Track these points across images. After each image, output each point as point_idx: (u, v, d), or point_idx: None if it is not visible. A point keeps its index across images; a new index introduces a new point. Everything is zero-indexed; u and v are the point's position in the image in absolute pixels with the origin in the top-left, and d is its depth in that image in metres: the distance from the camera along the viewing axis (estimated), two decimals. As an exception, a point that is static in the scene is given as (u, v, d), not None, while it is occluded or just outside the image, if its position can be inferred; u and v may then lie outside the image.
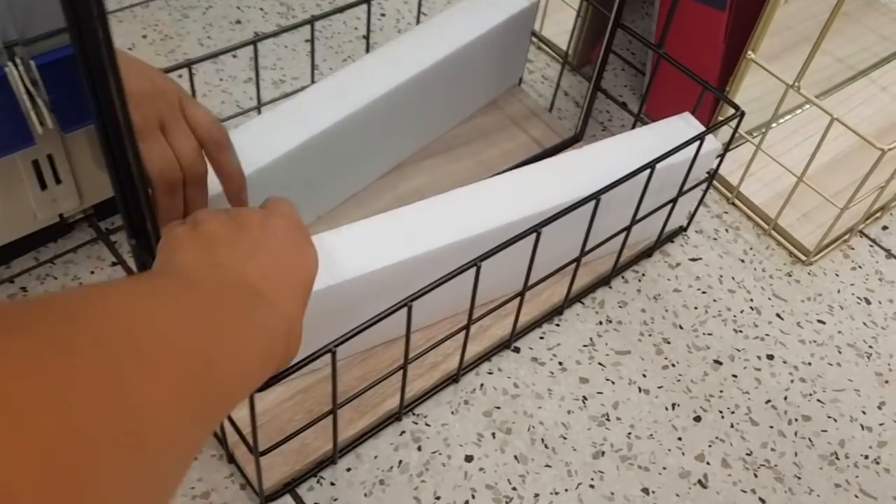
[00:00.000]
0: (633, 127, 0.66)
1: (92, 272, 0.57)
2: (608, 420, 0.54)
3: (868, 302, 0.63)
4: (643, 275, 0.63)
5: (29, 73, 0.46)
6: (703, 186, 0.63)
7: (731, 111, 0.58)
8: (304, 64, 0.73)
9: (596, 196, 0.51)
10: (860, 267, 0.66)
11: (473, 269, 0.46)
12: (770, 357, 0.58)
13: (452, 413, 0.53)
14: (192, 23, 0.75)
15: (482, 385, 0.55)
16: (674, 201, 0.58)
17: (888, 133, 0.75)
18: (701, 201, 0.65)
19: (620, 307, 0.60)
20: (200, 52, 0.73)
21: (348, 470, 0.50)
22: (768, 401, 0.56)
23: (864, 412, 0.56)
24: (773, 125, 0.73)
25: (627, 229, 0.57)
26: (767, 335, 0.60)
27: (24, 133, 0.47)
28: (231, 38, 0.75)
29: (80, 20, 0.31)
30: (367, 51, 0.64)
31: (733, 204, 0.69)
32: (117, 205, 0.40)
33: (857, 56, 0.83)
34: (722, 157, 0.62)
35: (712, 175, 0.62)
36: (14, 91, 0.45)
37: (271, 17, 0.77)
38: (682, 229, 0.66)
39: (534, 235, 0.48)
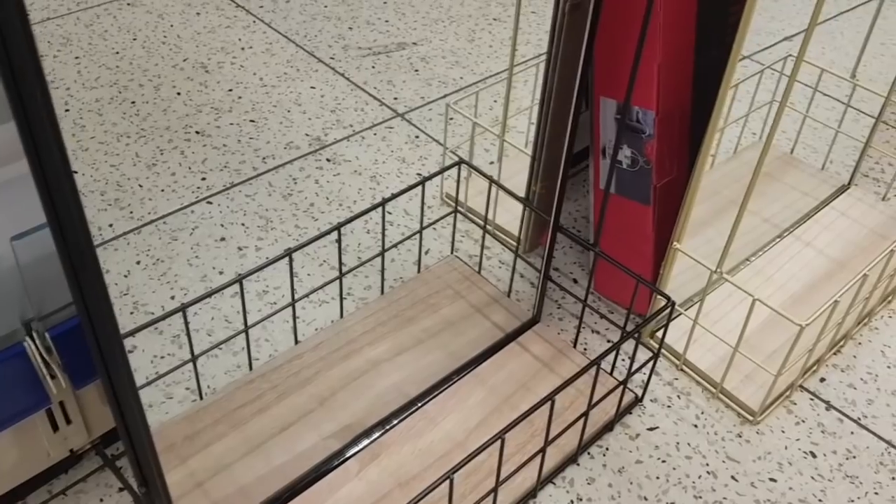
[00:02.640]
0: (583, 309, 0.74)
1: (101, 500, 0.62)
2: None
3: (814, 455, 0.69)
4: (607, 449, 0.68)
5: (44, 343, 0.52)
6: (651, 363, 0.70)
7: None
8: (284, 274, 0.81)
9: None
10: (803, 421, 0.72)
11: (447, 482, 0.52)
12: (728, 521, 0.64)
13: None
14: (181, 244, 0.83)
15: (467, 576, 0.59)
16: (622, 386, 0.65)
17: (814, 288, 0.83)
18: (651, 373, 0.72)
19: (589, 484, 0.66)
20: (189, 271, 0.80)
21: None
22: (730, 565, 0.61)
23: (818, 568, 0.61)
24: (709, 292, 0.80)
25: (585, 415, 0.63)
26: (725, 498, 0.65)
27: (41, 395, 0.53)
28: (217, 255, 0.82)
29: (86, 300, 0.38)
30: (340, 261, 0.72)
31: (682, 370, 0.75)
32: (128, 457, 0.46)
33: (781, 214, 0.93)
34: (665, 330, 0.70)
35: (657, 353, 0.69)
36: (31, 361, 0.52)
37: (252, 230, 0.86)
38: (637, 399, 0.72)
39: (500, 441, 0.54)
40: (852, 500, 0.66)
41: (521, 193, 0.81)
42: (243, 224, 0.86)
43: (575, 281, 0.84)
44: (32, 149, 0.33)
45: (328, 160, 0.96)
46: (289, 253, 0.65)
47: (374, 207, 0.71)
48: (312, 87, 1.08)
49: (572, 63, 0.71)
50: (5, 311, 0.49)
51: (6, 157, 0.48)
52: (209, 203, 0.89)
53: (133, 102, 1.02)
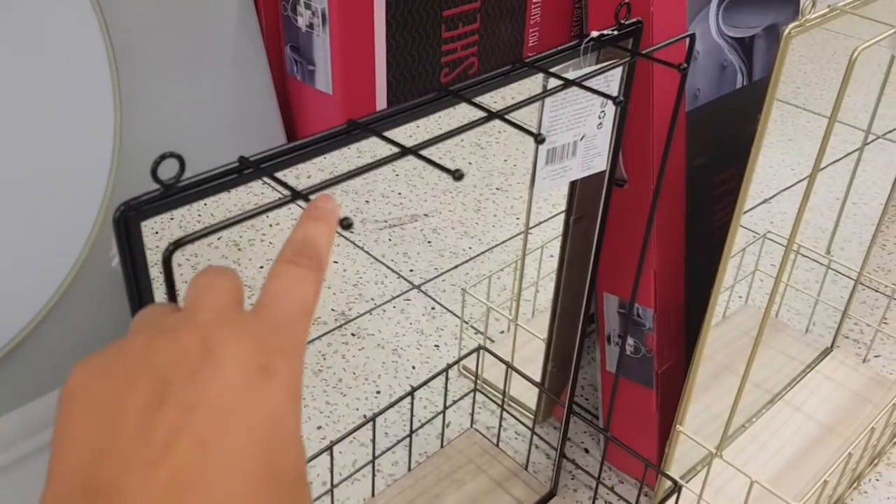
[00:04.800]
0: (597, 486, 0.80)
1: None
2: None
3: None
4: None
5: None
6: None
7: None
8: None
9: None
10: (805, 589, 0.77)
11: None
12: None
13: None
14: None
15: None
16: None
17: (807, 453, 0.90)
18: (663, 546, 0.78)
19: None
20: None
21: None
22: None
23: None
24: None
25: None
26: None
27: None
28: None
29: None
30: (374, 449, 0.79)
31: (691, 541, 0.82)
32: None
33: (771, 380, 1.01)
34: (672, 509, 0.76)
35: (667, 529, 0.75)
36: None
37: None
38: (651, 571, 0.78)
39: None
40: None
41: (534, 360, 0.89)
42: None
43: (587, 451, 0.91)
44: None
45: (353, 335, 1.05)
46: (330, 447, 0.73)
47: (403, 397, 0.78)
48: (335, 262, 1.18)
49: (580, 262, 0.81)
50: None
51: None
52: (247, 382, 0.96)
53: (172, 282, 1.11)
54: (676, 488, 0.72)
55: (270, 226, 1.24)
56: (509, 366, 0.84)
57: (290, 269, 0.30)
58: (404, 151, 0.41)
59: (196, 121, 0.57)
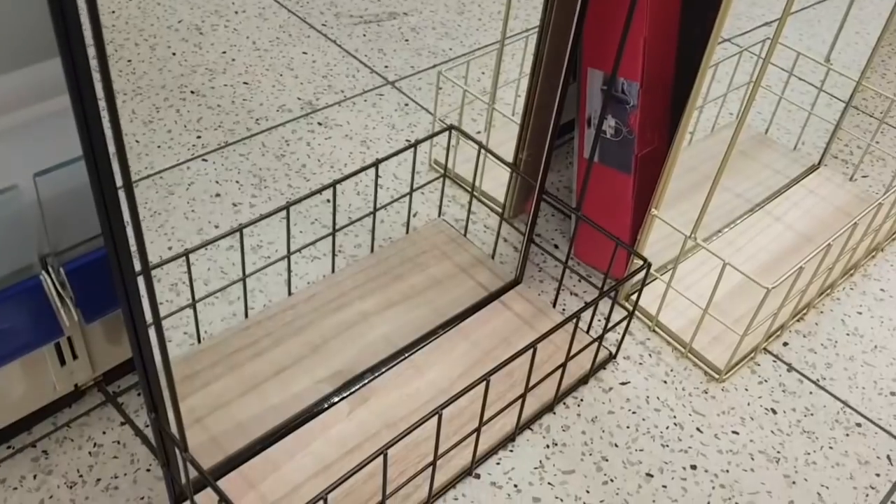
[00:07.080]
0: (563, 271, 0.78)
1: (104, 432, 0.65)
2: (558, 535, 0.63)
3: (774, 412, 0.74)
4: (581, 400, 0.73)
5: (58, 277, 0.55)
6: (625, 323, 0.75)
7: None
8: (278, 230, 0.84)
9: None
10: (766, 381, 0.77)
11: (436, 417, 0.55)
12: (693, 467, 0.68)
13: (425, 538, 0.61)
14: (178, 198, 0.86)
15: (449, 511, 0.63)
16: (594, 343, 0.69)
17: (782, 259, 0.88)
18: (625, 333, 0.76)
19: (564, 431, 0.70)
20: (186, 224, 0.83)
21: None
22: (693, 507, 0.65)
23: (774, 511, 0.66)
24: (682, 260, 0.85)
25: (562, 366, 0.68)
26: (690, 448, 0.70)
27: (54, 328, 0.56)
28: (212, 209, 0.85)
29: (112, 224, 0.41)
30: (334, 218, 0.75)
31: (654, 331, 0.80)
32: (140, 384, 0.49)
33: (753, 190, 0.97)
34: (640, 292, 0.74)
35: (631, 313, 0.73)
36: (47, 295, 0.55)
37: (246, 188, 0.88)
38: (611, 356, 0.77)
39: (484, 383, 0.58)
40: (808, 453, 0.71)
41: (508, 156, 0.85)
42: (237, 182, 0.89)
43: (556, 247, 0.88)
44: (73, 76, 0.36)
45: (319, 124, 0.99)
46: (287, 206, 0.69)
47: (367, 167, 0.74)
48: (304, 53, 1.10)
49: (563, 34, 0.74)
50: (24, 245, 0.52)
51: (31, 97, 0.50)
52: (204, 160, 0.91)
53: (129, 61, 1.04)
54: (645, 265, 0.69)
55: (236, 13, 1.15)
56: (481, 146, 0.80)
57: None
58: None
59: None
